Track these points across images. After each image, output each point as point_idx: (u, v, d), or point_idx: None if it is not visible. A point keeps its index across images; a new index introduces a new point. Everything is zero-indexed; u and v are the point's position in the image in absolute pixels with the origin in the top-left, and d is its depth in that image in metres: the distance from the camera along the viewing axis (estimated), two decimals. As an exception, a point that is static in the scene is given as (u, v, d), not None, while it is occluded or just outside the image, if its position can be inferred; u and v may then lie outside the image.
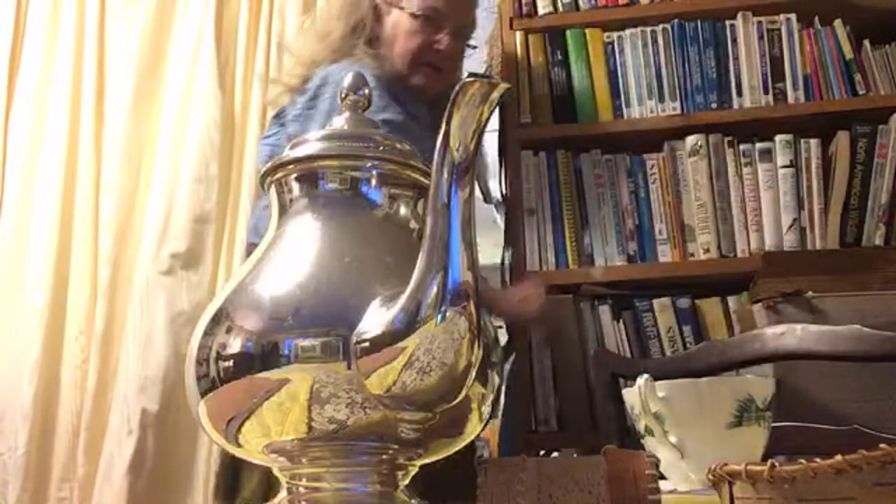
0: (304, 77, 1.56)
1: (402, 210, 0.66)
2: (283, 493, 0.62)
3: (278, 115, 1.61)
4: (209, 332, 0.60)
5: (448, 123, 0.54)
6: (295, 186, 0.66)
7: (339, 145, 0.66)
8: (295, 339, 0.56)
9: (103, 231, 2.18)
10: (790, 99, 1.85)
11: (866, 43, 1.87)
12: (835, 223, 1.79)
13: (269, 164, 0.67)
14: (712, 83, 1.88)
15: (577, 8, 1.95)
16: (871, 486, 0.49)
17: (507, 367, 1.81)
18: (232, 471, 1.36)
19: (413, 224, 0.66)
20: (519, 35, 1.95)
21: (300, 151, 0.66)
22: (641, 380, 0.95)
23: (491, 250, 2.01)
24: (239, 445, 0.61)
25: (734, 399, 0.93)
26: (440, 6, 1.57)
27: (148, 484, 1.96)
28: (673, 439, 0.93)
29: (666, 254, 1.83)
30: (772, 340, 1.31)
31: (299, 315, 0.58)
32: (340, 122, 0.68)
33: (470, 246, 0.54)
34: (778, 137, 1.83)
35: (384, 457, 0.60)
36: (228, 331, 0.59)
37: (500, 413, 1.85)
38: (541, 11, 1.95)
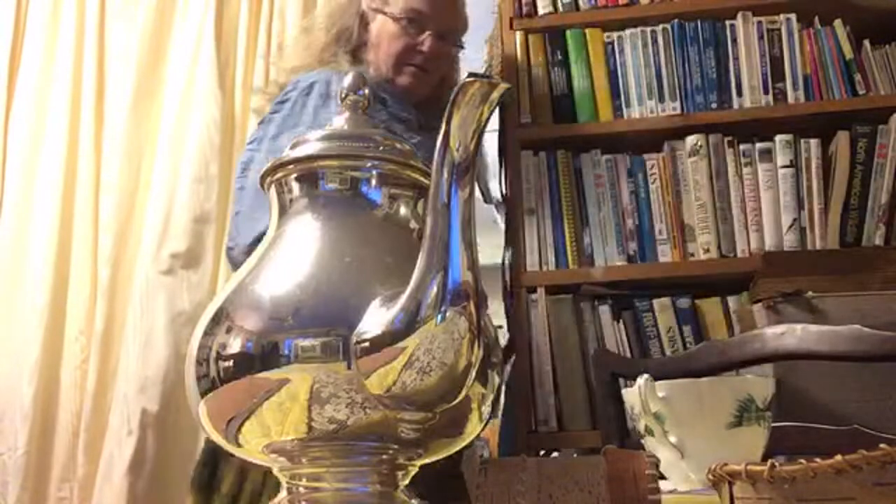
0: (284, 85, 1.59)
1: (402, 210, 0.66)
2: (283, 493, 0.62)
3: (261, 122, 1.64)
4: (209, 332, 0.60)
5: (448, 123, 0.54)
6: (295, 186, 0.66)
7: (339, 145, 0.66)
8: (295, 339, 0.56)
9: (103, 231, 2.18)
10: (790, 99, 1.85)
11: (866, 43, 1.87)
12: (835, 223, 1.79)
13: (268, 165, 0.67)
14: (712, 83, 1.88)
15: (577, 8, 1.94)
16: (871, 486, 0.49)
17: (507, 367, 1.81)
18: (212, 467, 1.37)
19: (413, 224, 0.66)
20: (519, 35, 1.94)
21: (300, 151, 0.66)
22: (641, 380, 0.95)
23: (491, 250, 2.00)
24: (239, 445, 0.61)
25: (734, 399, 0.93)
26: (422, 8, 1.59)
27: (148, 484, 1.96)
28: (673, 439, 0.93)
29: (666, 254, 1.83)
30: (772, 340, 1.31)
31: (299, 315, 0.58)
32: (340, 122, 0.68)
33: (470, 246, 0.54)
34: (778, 137, 1.83)
35: (384, 457, 0.60)
36: (228, 331, 0.59)
37: (500, 413, 1.85)
38: (541, 11, 1.94)
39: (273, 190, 0.67)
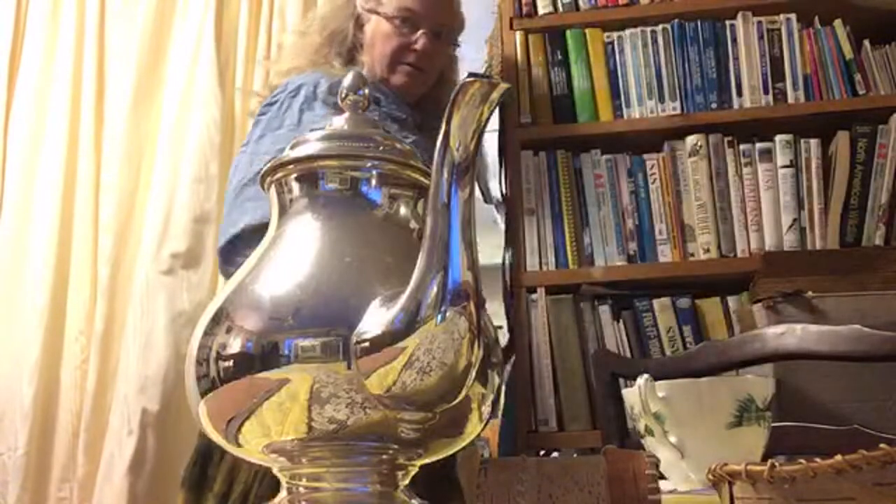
0: (276, 87, 1.59)
1: (402, 210, 0.66)
2: (283, 493, 0.62)
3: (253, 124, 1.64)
4: (209, 332, 0.60)
5: (448, 123, 0.54)
6: (295, 186, 0.66)
7: (339, 145, 0.65)
8: (295, 339, 0.56)
9: (103, 231, 2.18)
10: (790, 99, 1.85)
11: (866, 43, 1.87)
12: (835, 223, 1.79)
13: (268, 164, 0.67)
14: (712, 83, 1.88)
15: (577, 8, 1.95)
16: (871, 486, 0.49)
17: (507, 367, 1.81)
18: (202, 466, 1.37)
19: (413, 224, 0.66)
20: (519, 35, 1.95)
21: (300, 151, 0.65)
22: (641, 380, 0.95)
23: (491, 250, 2.00)
24: (239, 445, 0.61)
25: (734, 399, 0.93)
26: (415, 7, 1.59)
27: (148, 484, 1.96)
28: (673, 439, 0.93)
29: (666, 254, 1.83)
30: (772, 340, 1.31)
31: (299, 315, 0.58)
32: (340, 122, 0.68)
33: (470, 246, 0.54)
34: (778, 137, 1.83)
35: (384, 457, 0.60)
36: (228, 331, 0.59)
37: (500, 413, 1.85)
38: (541, 11, 1.95)
39: (273, 190, 0.67)
